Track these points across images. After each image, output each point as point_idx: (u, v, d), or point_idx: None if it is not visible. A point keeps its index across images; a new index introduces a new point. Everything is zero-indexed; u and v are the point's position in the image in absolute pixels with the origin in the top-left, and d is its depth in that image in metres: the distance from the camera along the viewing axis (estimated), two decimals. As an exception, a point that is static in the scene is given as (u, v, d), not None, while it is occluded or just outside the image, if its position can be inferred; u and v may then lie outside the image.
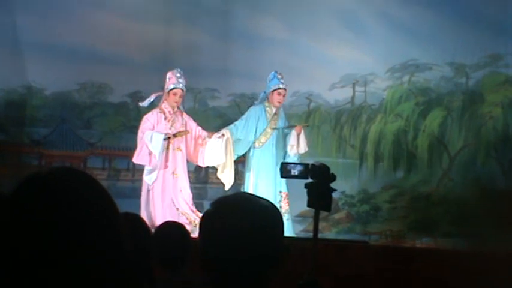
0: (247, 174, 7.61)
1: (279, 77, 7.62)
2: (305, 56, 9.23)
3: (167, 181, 7.29)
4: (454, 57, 9.36)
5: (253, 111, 7.63)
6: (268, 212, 1.84)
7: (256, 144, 7.56)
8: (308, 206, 4.00)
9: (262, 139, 7.56)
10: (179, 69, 7.47)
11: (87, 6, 9.05)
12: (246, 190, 7.47)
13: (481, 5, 9.30)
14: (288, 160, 7.35)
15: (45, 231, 1.20)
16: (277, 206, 7.24)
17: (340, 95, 9.41)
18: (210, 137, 7.49)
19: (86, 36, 8.97)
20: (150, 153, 7.25)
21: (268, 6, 9.28)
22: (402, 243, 8.98)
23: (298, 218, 8.53)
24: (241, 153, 7.57)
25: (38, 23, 8.99)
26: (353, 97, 9.44)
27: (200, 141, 7.51)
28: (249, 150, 7.57)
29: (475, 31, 9.28)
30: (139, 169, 9.10)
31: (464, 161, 9.28)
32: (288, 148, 7.49)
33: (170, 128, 7.37)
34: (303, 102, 9.41)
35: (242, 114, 9.24)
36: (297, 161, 6.49)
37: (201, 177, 9.20)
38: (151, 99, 7.51)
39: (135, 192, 8.98)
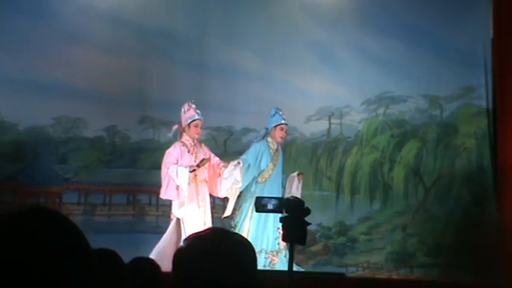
0: (244, 207, 7.61)
1: (280, 113, 7.84)
2: (280, 88, 9.28)
3: (195, 214, 7.27)
4: (428, 89, 9.46)
5: (257, 147, 7.76)
6: (241, 247, 1.84)
7: (259, 179, 7.66)
8: (283, 239, 4.02)
9: (266, 174, 7.70)
10: (192, 101, 7.55)
11: (62, 41, 9.04)
12: (242, 223, 7.50)
13: (454, 37, 9.42)
14: None
15: (12, 271, 1.19)
16: (275, 242, 7.34)
17: (316, 128, 9.45)
18: (226, 166, 7.53)
19: (61, 71, 8.96)
20: (177, 187, 7.28)
21: (243, 39, 9.33)
22: (379, 274, 8.98)
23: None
24: (243, 187, 7.60)
25: (12, 58, 8.97)
26: (329, 129, 9.48)
27: (218, 170, 7.57)
28: (250, 184, 7.62)
29: (448, 63, 9.39)
30: (116, 203, 9.07)
31: (440, 192, 9.34)
32: (286, 194, 7.54)
33: (195, 161, 7.45)
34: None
35: (219, 147, 9.30)
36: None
37: (177, 210, 9.16)
38: (174, 130, 7.62)
39: (111, 227, 8.94)
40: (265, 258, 7.42)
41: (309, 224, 3.96)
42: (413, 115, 9.49)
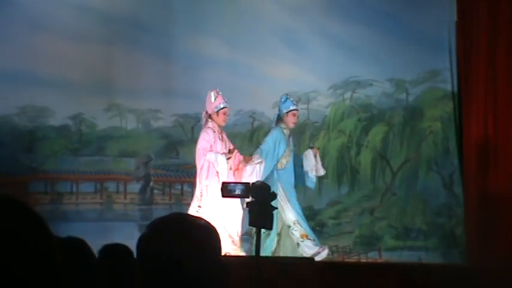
0: None
1: (291, 99, 7.89)
2: (247, 75, 9.28)
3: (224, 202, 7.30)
4: (393, 74, 9.51)
5: (274, 135, 7.77)
6: (204, 231, 1.84)
7: (279, 166, 7.68)
8: (250, 224, 4.03)
9: (284, 161, 7.71)
10: (218, 89, 7.54)
11: (26, 29, 8.94)
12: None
13: (419, 22, 9.48)
14: (308, 182, 7.66)
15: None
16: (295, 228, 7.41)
17: (283, 113, 9.47)
18: (245, 160, 7.50)
19: (26, 58, 8.86)
20: (217, 173, 7.27)
21: (209, 26, 9.30)
22: (348, 258, 9.05)
23: (245, 236, 8.54)
24: (265, 176, 7.61)
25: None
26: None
27: (239, 164, 7.54)
28: (272, 173, 7.63)
29: (413, 47, 9.45)
30: (83, 192, 9.02)
31: (407, 176, 9.42)
32: (309, 169, 7.67)
33: (225, 147, 7.46)
34: (247, 120, 9.45)
35: (186, 134, 9.29)
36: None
37: (146, 198, 9.15)
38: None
39: (79, 216, 8.89)
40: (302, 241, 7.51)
41: (276, 208, 3.98)
42: (380, 99, 9.54)
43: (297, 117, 7.88)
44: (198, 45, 9.25)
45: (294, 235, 7.52)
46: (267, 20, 9.37)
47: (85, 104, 9.03)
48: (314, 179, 7.74)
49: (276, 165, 7.67)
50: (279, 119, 7.82)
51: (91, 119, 9.09)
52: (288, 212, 7.58)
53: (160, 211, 8.80)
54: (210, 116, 7.48)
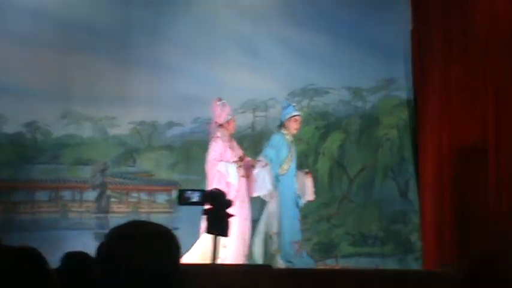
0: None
1: (293, 104, 8.08)
2: (205, 82, 9.25)
3: (238, 210, 7.29)
4: (351, 82, 9.59)
5: (276, 139, 7.87)
6: (163, 238, 1.84)
7: (281, 171, 7.76)
8: (206, 232, 4.01)
9: (285, 166, 7.81)
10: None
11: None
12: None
13: (376, 30, 9.57)
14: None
15: None
16: (299, 233, 7.45)
17: (241, 121, 9.44)
18: (253, 165, 7.63)
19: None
20: (228, 184, 7.38)
21: (168, 33, 9.27)
22: (306, 265, 9.07)
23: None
24: None
25: None
26: (254, 122, 9.52)
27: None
28: (276, 178, 7.73)
29: (370, 56, 9.54)
30: (38, 200, 8.89)
31: (363, 183, 9.50)
32: (301, 194, 7.86)
33: (234, 156, 7.59)
34: (205, 128, 9.40)
35: (143, 142, 9.23)
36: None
37: (102, 206, 9.06)
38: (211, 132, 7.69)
39: (35, 225, 8.76)
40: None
41: (232, 215, 3.98)
42: (337, 107, 9.61)
43: (300, 123, 7.99)
44: (155, 52, 9.21)
45: (271, 246, 7.62)
46: (225, 27, 9.37)
47: (40, 112, 8.92)
48: (302, 202, 7.85)
49: (278, 170, 7.74)
50: (281, 124, 7.90)
51: (46, 127, 8.98)
52: (273, 220, 7.61)
53: (116, 219, 8.71)
54: (220, 126, 7.63)
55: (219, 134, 7.60)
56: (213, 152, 7.55)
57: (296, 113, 7.95)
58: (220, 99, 7.78)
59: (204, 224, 3.97)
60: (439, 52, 8.98)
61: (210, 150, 7.59)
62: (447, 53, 8.91)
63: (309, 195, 7.90)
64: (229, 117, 7.73)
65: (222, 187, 7.28)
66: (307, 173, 8.02)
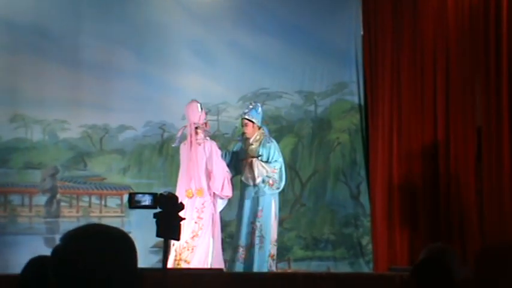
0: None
1: (250, 106, 8.02)
2: (156, 86, 9.21)
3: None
4: (302, 86, 9.64)
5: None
6: (119, 242, 1.83)
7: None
8: (157, 236, 3.98)
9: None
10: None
11: None
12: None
13: (327, 34, 9.65)
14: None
15: None
16: (248, 237, 7.34)
17: (193, 124, 9.43)
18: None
19: None
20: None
21: (118, 36, 9.19)
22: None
23: (154, 248, 8.46)
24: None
25: None
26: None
27: None
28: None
29: (322, 60, 9.61)
30: (14, 205, 8.73)
31: (315, 187, 9.54)
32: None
33: None
34: (157, 132, 9.36)
35: (94, 145, 9.14)
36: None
37: (52, 211, 8.94)
38: (179, 136, 7.60)
39: (6, 229, 8.60)
40: (237, 252, 7.59)
41: (183, 219, 3.95)
42: (289, 111, 9.65)
43: (247, 126, 7.89)
44: (106, 54, 9.12)
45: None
46: (177, 30, 9.34)
47: (-12, 114, 8.76)
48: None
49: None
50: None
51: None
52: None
53: (67, 224, 8.61)
54: (196, 128, 7.44)
55: (203, 135, 7.50)
56: (219, 153, 7.52)
57: (244, 116, 7.91)
58: (197, 101, 7.64)
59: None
60: (389, 57, 9.10)
61: (218, 152, 7.54)
62: (397, 57, 9.03)
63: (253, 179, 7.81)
64: (207, 119, 7.69)
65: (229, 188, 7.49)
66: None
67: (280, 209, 8.22)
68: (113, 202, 9.02)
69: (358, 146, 9.58)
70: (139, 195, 4.02)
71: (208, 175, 7.45)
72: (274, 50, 9.58)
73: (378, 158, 9.11)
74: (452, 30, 8.51)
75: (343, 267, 9.18)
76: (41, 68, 8.92)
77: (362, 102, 9.62)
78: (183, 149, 7.54)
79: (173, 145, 7.81)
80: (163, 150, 9.19)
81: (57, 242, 1.85)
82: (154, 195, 4.01)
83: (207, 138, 7.58)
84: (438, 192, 8.42)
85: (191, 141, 7.41)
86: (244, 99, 9.49)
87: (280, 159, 7.86)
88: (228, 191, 7.53)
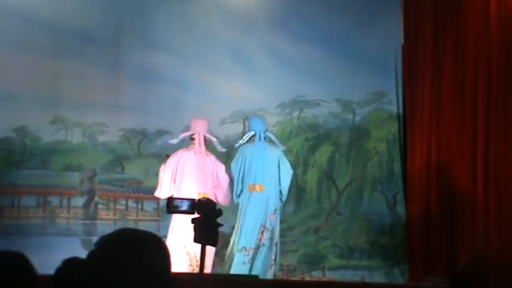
0: None
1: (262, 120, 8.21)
2: (195, 91, 9.26)
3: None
4: (341, 94, 9.62)
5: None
6: (153, 246, 1.84)
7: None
8: (194, 241, 4.00)
9: None
10: None
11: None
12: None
13: (367, 43, 9.62)
14: None
15: None
16: (256, 240, 7.38)
17: (231, 130, 9.46)
18: None
19: (-31, 69, 8.69)
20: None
21: (158, 41, 9.26)
22: (292, 277, 9.07)
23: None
24: None
25: None
26: (244, 132, 9.49)
27: None
28: None
29: (361, 69, 9.58)
30: (25, 206, 8.84)
31: (352, 196, 9.50)
32: None
33: None
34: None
35: (132, 149, 9.22)
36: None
37: (90, 213, 9.03)
38: (181, 138, 7.77)
39: (20, 230, 8.71)
40: (245, 255, 7.49)
41: (221, 225, 3.97)
42: (327, 119, 9.63)
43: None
44: (147, 59, 9.20)
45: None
46: (216, 36, 9.38)
47: (29, 117, 8.87)
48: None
49: None
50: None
51: (35, 132, 8.92)
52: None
53: (104, 226, 8.69)
54: (192, 139, 7.72)
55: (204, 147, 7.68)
56: (223, 166, 7.79)
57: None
58: (207, 119, 7.91)
59: (192, 233, 3.93)
60: (430, 67, 9.04)
61: (220, 164, 7.76)
62: (437, 67, 8.97)
63: None
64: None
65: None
66: None
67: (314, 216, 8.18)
68: (149, 206, 9.07)
69: (395, 155, 9.53)
70: (178, 200, 4.06)
71: (215, 185, 7.65)
72: (313, 58, 9.57)
73: (415, 168, 9.05)
74: (495, 39, 8.43)
75: (378, 277, 9.12)
76: (83, 71, 9.02)
77: (400, 112, 9.57)
78: (188, 155, 7.62)
79: (170, 141, 7.84)
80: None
81: (94, 244, 1.87)
82: (192, 201, 4.04)
83: (209, 153, 7.77)
84: (476, 204, 8.33)
85: (200, 151, 7.64)
86: (282, 107, 9.50)
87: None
88: (228, 200, 7.71)
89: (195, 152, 7.62)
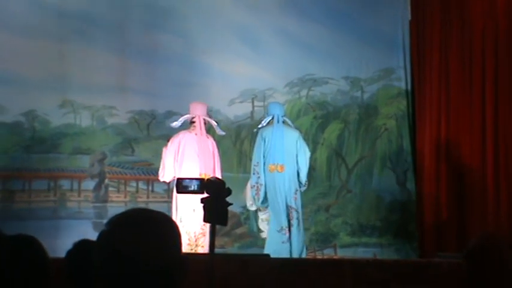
0: None
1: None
2: (203, 72, 9.25)
3: None
4: (349, 72, 9.59)
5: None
6: (164, 226, 1.84)
7: None
8: (204, 220, 4.00)
9: None
10: None
11: (-23, 23, 8.78)
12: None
13: (374, 20, 9.57)
14: None
15: None
16: (286, 219, 7.39)
17: (239, 110, 9.47)
18: None
19: (-24, 54, 8.70)
20: None
21: (164, 22, 9.25)
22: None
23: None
24: None
25: None
26: (252, 112, 9.51)
27: None
28: None
29: (368, 46, 9.54)
30: (36, 189, 8.88)
31: (362, 173, 9.50)
32: None
33: None
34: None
35: (141, 131, 9.23)
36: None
37: (100, 196, 9.07)
38: (182, 121, 7.72)
39: (31, 214, 8.75)
40: (284, 234, 7.54)
41: (230, 204, 3.96)
42: (335, 97, 9.61)
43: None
44: (153, 41, 9.19)
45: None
46: (223, 16, 9.35)
47: (38, 101, 8.89)
48: None
49: None
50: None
51: (44, 116, 8.95)
52: None
53: (115, 209, 8.71)
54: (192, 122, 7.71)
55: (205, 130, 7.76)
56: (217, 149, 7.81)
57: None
58: (206, 104, 7.92)
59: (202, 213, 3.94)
60: (437, 42, 8.98)
61: (216, 147, 7.75)
62: (445, 43, 8.91)
63: None
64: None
65: None
66: None
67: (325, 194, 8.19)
68: (160, 187, 9.10)
69: (405, 132, 9.51)
70: (187, 180, 4.05)
71: (214, 168, 7.68)
72: (321, 36, 9.53)
73: (425, 144, 9.02)
74: (501, 14, 8.36)
75: (390, 254, 9.13)
76: (89, 54, 9.02)
77: (409, 88, 9.54)
78: (189, 137, 7.63)
79: (172, 124, 7.82)
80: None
81: (105, 224, 1.87)
82: (201, 181, 4.04)
83: (209, 135, 7.79)
84: (486, 180, 8.30)
85: (201, 133, 7.65)
86: (291, 85, 9.49)
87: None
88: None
89: (196, 134, 7.65)
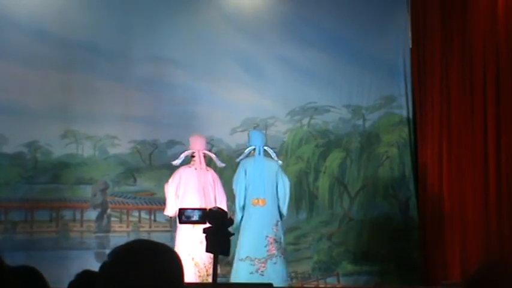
0: None
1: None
2: (205, 100, 9.28)
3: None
4: (350, 100, 9.61)
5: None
6: (166, 258, 1.84)
7: None
8: (206, 251, 4.00)
9: None
10: None
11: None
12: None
13: (375, 48, 9.61)
14: None
15: None
16: (264, 250, 7.38)
17: (241, 139, 9.45)
18: None
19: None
20: None
21: (167, 51, 9.29)
22: (307, 284, 9.05)
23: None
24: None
25: None
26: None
27: None
28: None
29: (370, 73, 9.57)
30: (38, 220, 8.86)
31: (364, 201, 9.48)
32: None
33: None
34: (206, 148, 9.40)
35: (143, 161, 9.24)
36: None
37: (103, 226, 9.05)
38: (183, 158, 7.81)
39: (34, 245, 8.73)
40: (251, 265, 7.47)
41: (233, 234, 3.96)
42: (337, 125, 9.62)
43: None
44: (155, 70, 9.23)
45: None
46: (225, 44, 9.39)
47: (40, 131, 8.90)
48: None
49: None
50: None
51: (46, 146, 8.96)
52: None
53: (117, 239, 8.70)
54: (192, 157, 7.82)
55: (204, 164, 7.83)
56: (219, 181, 7.87)
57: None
58: (204, 136, 8.06)
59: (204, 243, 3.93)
60: (438, 70, 9.02)
61: (218, 179, 7.81)
62: (446, 70, 8.94)
63: None
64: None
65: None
66: None
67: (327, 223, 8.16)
68: (162, 217, 9.07)
69: (407, 159, 9.51)
70: (189, 210, 4.06)
71: (215, 200, 7.71)
72: (322, 63, 9.57)
73: (427, 171, 9.01)
74: (503, 42, 8.39)
75: (393, 282, 9.07)
76: (92, 84, 9.05)
77: (411, 116, 9.55)
78: (189, 172, 7.71)
79: (173, 162, 7.86)
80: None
81: (107, 255, 1.87)
82: (203, 211, 4.04)
83: (209, 168, 7.87)
84: (489, 206, 8.28)
85: (201, 167, 7.75)
86: (293, 114, 9.51)
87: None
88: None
89: (195, 168, 7.71)
